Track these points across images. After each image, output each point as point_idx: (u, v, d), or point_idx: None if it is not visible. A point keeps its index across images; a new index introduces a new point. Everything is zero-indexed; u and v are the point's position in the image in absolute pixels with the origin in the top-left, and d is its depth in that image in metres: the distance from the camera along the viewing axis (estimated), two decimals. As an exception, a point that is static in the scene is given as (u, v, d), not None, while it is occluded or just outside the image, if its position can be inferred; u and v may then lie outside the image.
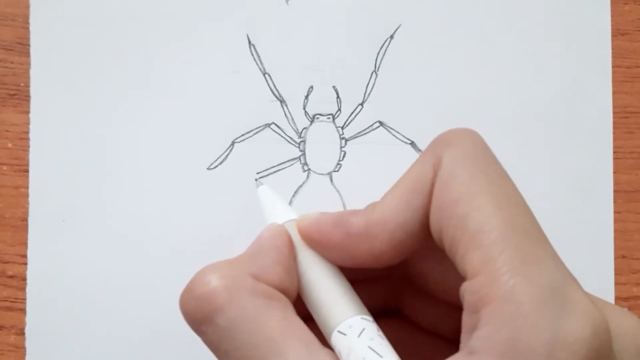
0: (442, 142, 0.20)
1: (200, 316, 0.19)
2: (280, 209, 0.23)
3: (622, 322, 0.18)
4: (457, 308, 0.21)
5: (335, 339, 0.19)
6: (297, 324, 0.19)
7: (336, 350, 0.19)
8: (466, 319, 0.18)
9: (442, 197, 0.19)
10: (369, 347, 0.18)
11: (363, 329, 0.19)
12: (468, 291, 0.17)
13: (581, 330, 0.16)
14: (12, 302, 0.30)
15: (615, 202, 0.31)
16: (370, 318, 0.20)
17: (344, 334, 0.19)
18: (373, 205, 0.20)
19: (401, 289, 0.23)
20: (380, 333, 0.19)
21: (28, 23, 0.31)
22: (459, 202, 0.18)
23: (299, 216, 0.22)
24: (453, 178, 0.19)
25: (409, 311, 0.23)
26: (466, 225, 0.18)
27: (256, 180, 0.30)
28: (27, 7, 0.31)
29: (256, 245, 0.21)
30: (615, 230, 0.31)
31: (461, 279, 0.18)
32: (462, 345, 0.17)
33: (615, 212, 0.31)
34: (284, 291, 0.20)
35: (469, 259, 0.17)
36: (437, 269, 0.22)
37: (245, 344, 0.18)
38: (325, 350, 0.18)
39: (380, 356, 0.18)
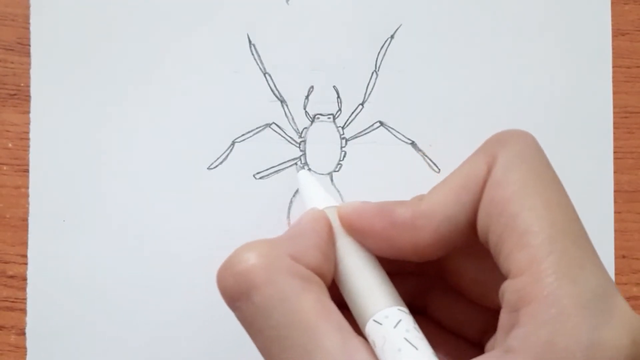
0: (497, 142, 0.20)
1: (237, 292, 0.19)
2: (320, 195, 0.23)
3: None
4: (485, 310, 0.21)
5: (370, 328, 0.19)
6: (332, 309, 0.19)
7: (370, 339, 0.19)
8: (504, 318, 0.18)
9: (494, 194, 0.19)
10: (405, 339, 0.18)
11: (400, 320, 0.19)
12: (510, 290, 0.18)
13: (620, 338, 0.16)
14: (13, 302, 0.30)
15: (615, 202, 0.31)
16: (406, 310, 0.20)
17: (380, 324, 0.19)
18: (420, 198, 0.20)
19: (431, 286, 0.23)
20: (417, 326, 0.19)
21: (28, 23, 0.31)
22: (510, 201, 0.18)
23: (341, 203, 0.22)
24: (507, 177, 0.19)
25: (434, 309, 0.23)
26: (516, 224, 0.18)
27: (296, 164, 0.30)
28: (27, 7, 0.31)
29: (296, 227, 0.21)
30: (615, 230, 0.31)
31: (498, 280, 0.18)
32: (497, 343, 0.18)
33: (615, 212, 0.31)
34: (320, 275, 0.20)
35: (515, 258, 0.18)
36: (475, 268, 0.22)
37: (280, 323, 0.18)
38: (359, 338, 0.18)
39: (416, 348, 0.18)
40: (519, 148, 0.20)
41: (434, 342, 0.19)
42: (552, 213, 0.18)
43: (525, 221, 0.18)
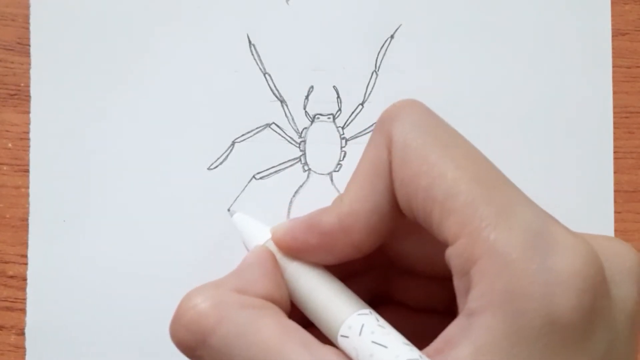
0: (388, 119, 0.20)
1: (193, 342, 0.19)
2: (258, 232, 0.23)
3: (611, 248, 0.18)
4: (444, 279, 0.21)
5: (341, 344, 0.19)
6: (292, 327, 0.18)
7: (346, 353, 0.19)
8: (458, 283, 0.18)
9: (403, 174, 0.19)
10: (373, 342, 0.18)
11: (362, 325, 0.19)
12: (453, 256, 0.17)
13: (571, 264, 0.16)
14: (13, 302, 0.30)
15: (615, 202, 0.31)
16: (366, 310, 0.20)
17: (347, 337, 0.19)
18: (340, 199, 0.20)
19: (387, 275, 0.23)
20: (381, 321, 0.19)
21: (28, 23, 0.31)
22: (420, 175, 0.18)
23: (271, 228, 0.22)
24: (408, 152, 0.19)
25: (399, 295, 0.23)
26: (433, 194, 0.18)
27: (229, 210, 0.30)
28: (27, 7, 0.31)
29: (240, 265, 0.21)
30: (615, 230, 0.31)
31: (441, 248, 0.18)
32: (459, 310, 0.17)
33: (615, 212, 0.31)
34: (273, 302, 0.20)
35: (446, 225, 0.18)
36: (415, 245, 0.22)
37: (244, 358, 0.18)
38: (327, 347, 0.18)
39: (385, 347, 0.18)
40: (409, 119, 0.19)
41: (407, 327, 0.19)
42: (463, 170, 0.18)
43: (441, 189, 0.18)
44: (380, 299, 0.23)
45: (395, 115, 0.20)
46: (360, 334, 0.19)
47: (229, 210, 0.30)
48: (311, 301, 0.20)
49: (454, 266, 0.18)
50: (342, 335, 0.19)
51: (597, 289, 0.16)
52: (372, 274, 0.23)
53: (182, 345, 0.19)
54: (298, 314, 0.21)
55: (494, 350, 0.16)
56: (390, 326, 0.19)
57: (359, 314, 0.19)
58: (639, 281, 0.18)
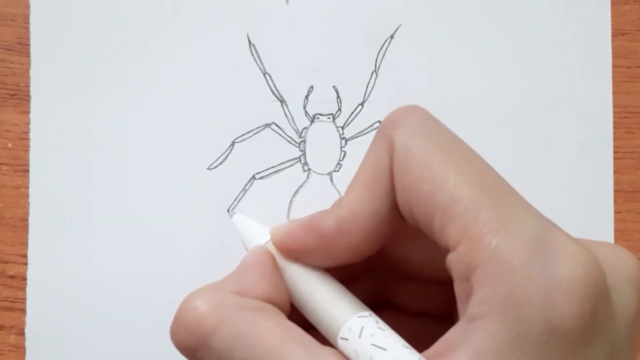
0: (389, 125, 0.20)
1: (193, 344, 0.19)
2: (258, 233, 0.23)
3: (612, 255, 0.18)
4: (443, 284, 0.21)
5: (341, 347, 0.19)
6: (292, 329, 0.19)
7: (346, 355, 0.19)
8: (458, 289, 0.18)
9: (404, 180, 0.19)
10: (373, 345, 0.18)
11: (362, 328, 0.19)
12: (454, 262, 0.17)
13: (573, 271, 0.16)
14: (12, 302, 0.30)
15: (615, 202, 0.31)
16: (366, 312, 0.20)
17: (346, 339, 0.19)
18: (339, 202, 0.20)
19: (386, 279, 0.23)
20: (381, 324, 0.19)
21: (28, 23, 0.31)
22: (421, 181, 0.18)
23: (271, 229, 0.22)
24: (409, 158, 0.19)
25: (397, 299, 0.23)
26: (435, 200, 0.18)
27: (229, 211, 0.30)
28: (27, 7, 0.31)
29: (239, 266, 0.21)
30: (615, 230, 0.31)
31: (441, 253, 0.18)
32: (460, 315, 0.17)
33: (615, 212, 0.31)
34: (273, 304, 0.20)
35: (447, 231, 0.18)
36: (415, 250, 0.22)
37: None
38: (327, 349, 0.18)
39: (385, 349, 0.18)
40: (411, 125, 0.19)
41: (405, 331, 0.19)
42: (465, 176, 0.18)
43: (442, 195, 0.18)
44: (378, 303, 0.23)
45: (396, 121, 0.20)
46: (360, 336, 0.19)
47: (228, 211, 0.30)
48: (311, 303, 0.20)
49: (454, 272, 0.18)
50: (342, 338, 0.19)
51: (598, 297, 0.16)
52: (371, 277, 0.23)
53: (183, 347, 0.19)
54: (298, 315, 0.21)
55: (493, 356, 0.16)
56: (390, 329, 0.19)
57: (358, 316, 0.19)
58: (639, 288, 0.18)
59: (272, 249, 0.22)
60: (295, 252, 0.21)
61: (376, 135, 0.20)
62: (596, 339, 0.16)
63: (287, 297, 0.21)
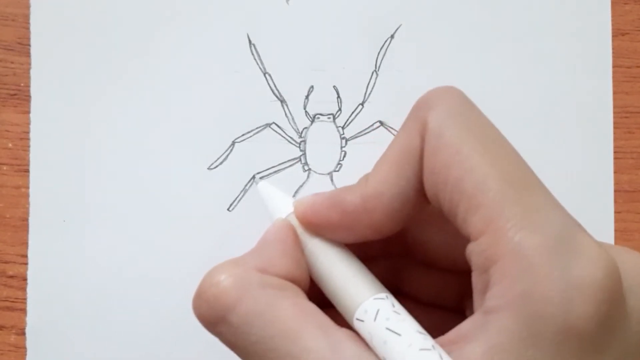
0: (424, 105, 0.20)
1: (214, 318, 0.19)
2: (281, 203, 0.23)
3: (628, 260, 0.18)
4: (459, 274, 0.21)
5: (357, 327, 0.19)
6: (311, 310, 0.19)
7: (362, 336, 0.19)
8: (476, 280, 0.18)
9: (434, 163, 0.19)
10: (387, 329, 0.18)
11: (378, 311, 0.19)
12: (475, 252, 0.17)
13: (593, 274, 0.16)
14: (13, 302, 0.30)
15: (615, 202, 0.31)
16: (383, 294, 0.19)
17: (362, 321, 0.19)
18: (366, 179, 0.20)
19: (401, 265, 0.23)
20: (397, 307, 0.19)
21: (28, 23, 0.31)
22: (451, 166, 0.18)
23: (294, 201, 0.22)
24: (441, 142, 0.18)
25: (409, 286, 0.23)
26: (462, 187, 0.18)
27: (254, 177, 0.30)
28: (27, 7, 0.31)
29: (261, 241, 0.21)
30: (615, 230, 0.31)
31: (461, 241, 0.18)
32: (476, 306, 0.17)
33: (615, 212, 0.31)
34: (293, 281, 0.20)
35: (471, 220, 0.17)
36: (437, 235, 0.22)
37: (262, 337, 0.18)
38: (342, 330, 0.18)
39: (399, 334, 0.18)
40: (446, 107, 0.19)
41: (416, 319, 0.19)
42: (495, 167, 0.18)
43: (470, 183, 0.17)
44: (390, 290, 0.23)
45: (432, 102, 0.19)
46: (375, 319, 0.19)
47: (253, 178, 0.30)
48: (329, 281, 0.20)
49: (474, 262, 0.18)
50: (357, 319, 0.19)
51: (615, 300, 0.17)
52: (386, 262, 0.23)
53: (204, 320, 0.19)
54: (318, 291, 0.21)
55: (507, 351, 0.16)
56: (406, 312, 0.19)
57: (375, 298, 0.19)
58: None
59: (295, 222, 0.21)
60: (317, 226, 0.21)
61: (409, 115, 0.20)
62: (610, 343, 0.17)
63: (307, 274, 0.21)
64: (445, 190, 0.18)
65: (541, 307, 0.16)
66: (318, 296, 0.20)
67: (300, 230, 0.21)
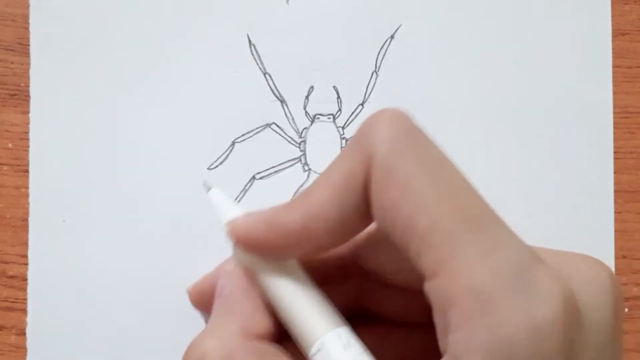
0: (369, 133, 0.19)
1: None
2: (231, 212, 0.22)
3: (583, 269, 0.18)
4: (421, 291, 0.21)
5: None
6: None
7: None
8: (437, 319, 0.17)
9: (382, 199, 0.18)
10: None
11: (327, 351, 0.19)
12: (432, 292, 0.17)
13: (554, 312, 0.16)
14: (13, 302, 0.30)
15: (615, 202, 0.31)
16: (335, 332, 0.19)
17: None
18: (306, 197, 0.20)
19: (365, 285, 0.23)
20: (348, 340, 0.19)
21: (28, 23, 0.31)
22: (401, 203, 0.17)
23: (227, 222, 0.21)
24: (389, 179, 0.18)
25: (376, 306, 0.23)
26: (414, 226, 0.17)
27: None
28: (27, 7, 0.31)
29: (226, 299, 0.21)
30: (615, 231, 0.31)
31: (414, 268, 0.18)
32: (441, 346, 0.17)
33: (615, 212, 0.31)
34: (271, 334, 0.20)
35: (424, 260, 0.17)
36: (388, 261, 0.21)
37: None
38: None
39: None
40: (393, 139, 0.18)
41: (386, 342, 0.19)
42: (448, 202, 0.17)
43: (422, 222, 0.17)
44: (358, 312, 0.23)
45: (376, 131, 0.19)
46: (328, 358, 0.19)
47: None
48: (283, 317, 0.20)
49: (432, 301, 0.17)
50: (312, 357, 0.19)
51: (576, 330, 0.17)
52: (350, 283, 0.23)
53: None
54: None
55: None
56: (360, 347, 0.19)
57: (327, 336, 0.19)
58: (615, 300, 0.18)
59: (243, 265, 0.22)
60: (258, 248, 0.21)
61: (353, 139, 0.19)
62: None
63: (273, 316, 0.21)
64: (395, 227, 0.18)
65: (509, 352, 0.16)
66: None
67: (249, 260, 0.21)
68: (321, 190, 0.19)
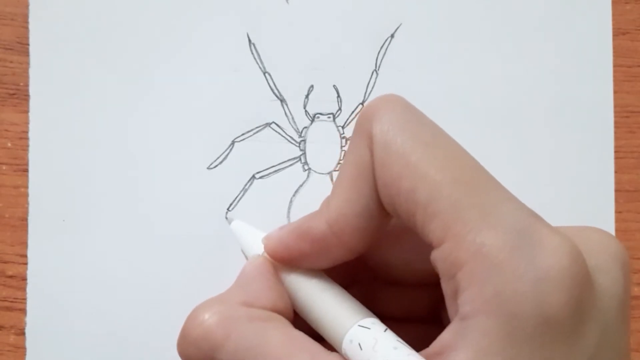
0: (367, 117, 0.20)
1: (202, 358, 0.19)
2: (256, 239, 0.23)
3: (592, 238, 0.19)
4: (428, 286, 0.21)
5: (354, 334, 0.19)
6: (299, 338, 0.19)
7: (353, 343, 0.19)
8: (446, 286, 0.18)
9: (385, 176, 0.19)
10: (398, 341, 0.18)
11: (386, 329, 0.19)
12: (439, 259, 0.18)
13: (559, 262, 0.16)
14: (12, 302, 0.30)
15: (616, 201, 0.31)
16: (368, 321, 0.19)
17: (368, 328, 0.19)
18: (327, 204, 0.20)
19: (372, 289, 0.24)
20: (383, 331, 0.19)
21: (27, 22, 0.31)
22: (402, 178, 0.18)
23: (263, 238, 0.22)
24: (389, 154, 0.18)
25: (384, 307, 0.23)
26: (416, 197, 0.18)
27: (227, 213, 0.30)
28: (27, 6, 0.31)
29: (242, 277, 0.21)
30: (616, 230, 0.31)
31: (423, 256, 0.18)
32: (450, 312, 0.18)
33: (616, 212, 0.31)
34: (279, 312, 0.20)
35: (430, 229, 0.18)
36: (398, 255, 0.22)
37: None
38: (333, 355, 0.18)
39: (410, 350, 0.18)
40: (389, 117, 0.19)
41: None
42: (446, 171, 0.18)
43: (423, 192, 0.18)
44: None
45: (373, 113, 0.19)
46: (385, 331, 0.19)
47: (227, 213, 0.30)
48: (312, 313, 0.20)
49: (440, 269, 0.18)
50: (362, 326, 0.19)
51: (584, 284, 0.17)
52: (354, 288, 0.23)
53: None
54: (302, 321, 0.21)
55: (492, 353, 0.16)
56: (394, 336, 0.19)
57: (359, 326, 0.19)
58: (624, 266, 0.18)
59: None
60: (290, 259, 0.21)
61: (355, 129, 0.20)
62: (587, 323, 0.17)
63: (291, 306, 0.21)
64: (399, 202, 0.18)
65: (516, 305, 0.16)
66: (303, 326, 0.20)
67: (276, 265, 0.21)
68: (338, 190, 0.20)
